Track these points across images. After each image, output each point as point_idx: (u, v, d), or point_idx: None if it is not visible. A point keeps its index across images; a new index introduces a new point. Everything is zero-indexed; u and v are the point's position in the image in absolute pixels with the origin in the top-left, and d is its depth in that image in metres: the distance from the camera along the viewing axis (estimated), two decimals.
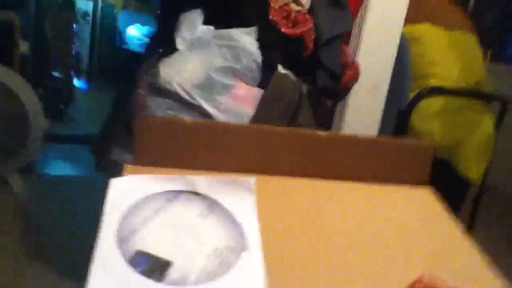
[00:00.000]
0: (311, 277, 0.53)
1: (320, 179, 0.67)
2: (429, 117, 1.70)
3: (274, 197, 0.63)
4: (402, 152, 0.71)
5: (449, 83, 1.69)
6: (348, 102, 1.60)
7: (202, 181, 0.60)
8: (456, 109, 1.74)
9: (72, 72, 2.85)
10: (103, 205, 0.54)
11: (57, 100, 2.47)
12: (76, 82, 2.96)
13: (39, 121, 1.90)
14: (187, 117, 0.63)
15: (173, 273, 0.49)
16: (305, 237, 0.58)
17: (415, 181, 0.71)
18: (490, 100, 1.84)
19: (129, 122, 1.36)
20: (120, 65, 3.26)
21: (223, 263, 0.51)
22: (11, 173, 1.96)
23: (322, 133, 0.67)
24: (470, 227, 1.92)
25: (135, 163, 0.61)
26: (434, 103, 1.68)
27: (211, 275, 0.49)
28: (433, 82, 1.68)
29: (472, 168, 1.83)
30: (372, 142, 0.71)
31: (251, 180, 0.62)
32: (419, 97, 1.65)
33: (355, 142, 0.69)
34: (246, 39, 1.17)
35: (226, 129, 0.63)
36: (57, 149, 2.30)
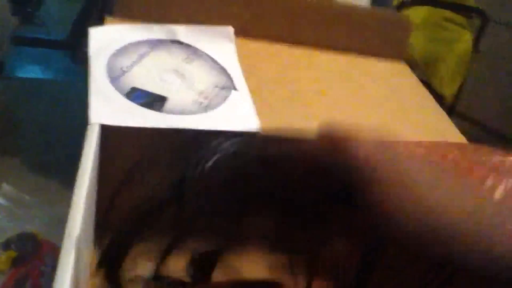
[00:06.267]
0: (287, 115, 0.56)
1: (297, 45, 0.69)
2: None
3: (252, 57, 0.65)
4: (381, 23, 0.73)
5: None
6: None
7: (182, 30, 0.60)
8: (437, 23, 1.75)
9: None
10: (88, 54, 0.55)
11: (25, 2, 2.37)
12: None
13: (5, 18, 1.83)
14: None
15: (170, 105, 0.50)
16: (284, 88, 0.61)
17: (392, 55, 0.74)
18: (471, 13, 1.86)
19: (104, 11, 1.33)
20: None
21: (215, 98, 0.52)
22: None
23: None
24: None
25: (115, 15, 0.61)
26: (416, 15, 1.69)
27: (206, 108, 0.51)
28: None
29: (447, 85, 1.88)
30: (351, 10, 0.71)
31: (229, 28, 0.62)
32: (401, 6, 1.65)
33: (333, 9, 0.70)
34: None
35: None
36: (26, 52, 2.23)
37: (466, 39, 1.82)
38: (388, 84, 0.69)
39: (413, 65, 1.81)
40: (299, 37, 0.69)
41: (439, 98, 1.85)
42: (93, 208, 0.46)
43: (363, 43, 0.71)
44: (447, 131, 0.63)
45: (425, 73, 1.80)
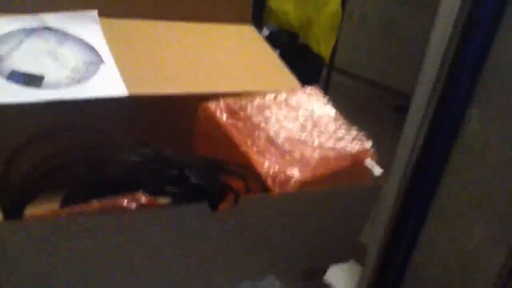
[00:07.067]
0: (152, 81, 0.70)
1: (157, 20, 0.81)
2: None
3: (118, 34, 0.76)
4: None
5: None
6: None
7: (51, 17, 0.70)
8: None
9: None
10: None
11: None
12: None
13: None
14: None
15: (47, 83, 0.61)
16: (148, 58, 0.74)
17: (239, 19, 0.89)
18: None
19: None
20: None
21: (86, 73, 0.64)
22: None
23: None
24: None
25: None
26: None
27: (78, 81, 0.63)
28: None
29: (322, 45, 2.07)
30: None
31: (93, 12, 0.74)
32: None
33: None
34: None
35: None
36: None
37: (334, 1, 2.02)
38: (236, 45, 0.84)
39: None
40: (157, 12, 0.82)
41: (318, 57, 2.06)
42: None
43: (213, 12, 0.85)
44: (287, 82, 0.79)
45: (302, 36, 1.98)
